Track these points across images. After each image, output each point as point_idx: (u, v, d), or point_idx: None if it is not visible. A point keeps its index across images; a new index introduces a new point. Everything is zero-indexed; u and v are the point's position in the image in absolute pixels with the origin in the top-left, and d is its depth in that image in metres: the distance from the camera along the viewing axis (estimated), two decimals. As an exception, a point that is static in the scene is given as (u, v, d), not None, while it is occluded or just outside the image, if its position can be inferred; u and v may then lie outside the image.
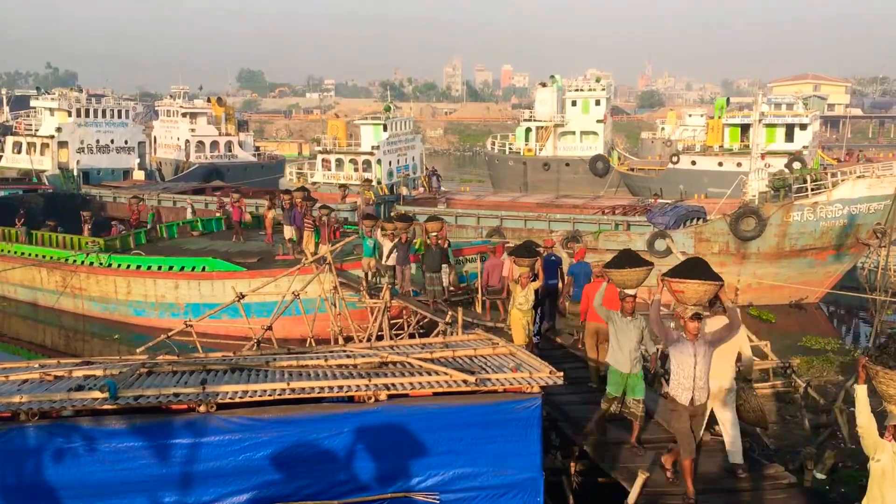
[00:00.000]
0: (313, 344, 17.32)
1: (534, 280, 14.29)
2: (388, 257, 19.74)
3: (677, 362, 8.96)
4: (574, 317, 15.53)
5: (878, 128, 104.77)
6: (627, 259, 10.70)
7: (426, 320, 18.94)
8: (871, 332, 24.35)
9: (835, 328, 27.17)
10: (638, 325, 10.29)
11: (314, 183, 42.70)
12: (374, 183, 40.72)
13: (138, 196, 33.44)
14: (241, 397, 8.49)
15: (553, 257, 16.46)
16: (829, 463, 10.95)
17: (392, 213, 33.10)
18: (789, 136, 48.83)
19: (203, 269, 24.46)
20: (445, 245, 19.11)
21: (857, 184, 27.02)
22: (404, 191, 42.37)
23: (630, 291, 10.42)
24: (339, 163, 44.72)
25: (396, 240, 19.35)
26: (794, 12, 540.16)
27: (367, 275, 20.38)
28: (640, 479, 9.03)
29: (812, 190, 27.22)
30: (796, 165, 41.93)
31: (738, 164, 44.19)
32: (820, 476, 10.69)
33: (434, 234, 18.82)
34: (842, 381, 16.02)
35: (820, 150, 56.88)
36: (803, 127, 48.90)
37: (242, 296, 17.65)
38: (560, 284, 16.08)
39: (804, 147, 47.97)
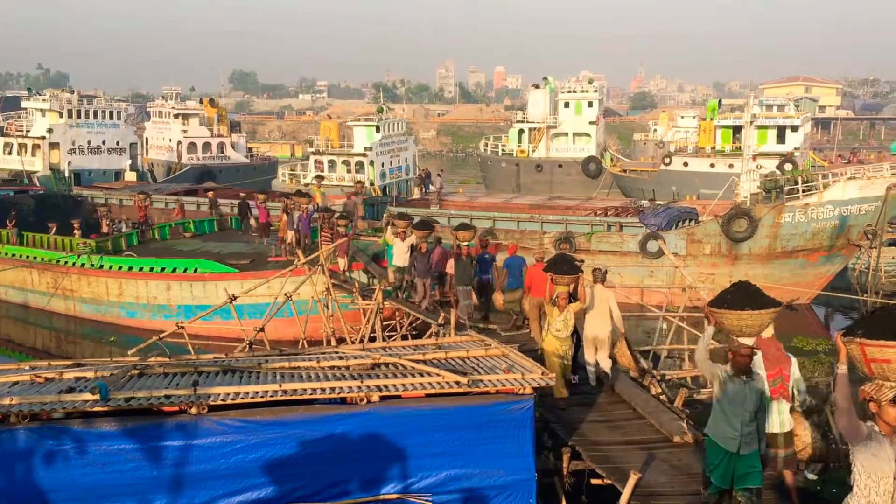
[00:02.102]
0: (305, 345, 17.27)
1: (572, 300, 12.28)
2: (407, 262, 18.59)
3: (868, 471, 6.06)
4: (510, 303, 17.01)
5: (869, 129, 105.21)
6: (747, 297, 8.14)
7: (419, 322, 18.92)
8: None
9: (826, 329, 27.25)
10: (756, 386, 7.72)
11: (307, 184, 42.65)
12: (364, 182, 40.59)
13: (145, 192, 33.34)
14: (232, 399, 8.48)
15: (487, 255, 17.63)
16: (820, 463, 10.98)
17: (386, 214, 33.06)
18: (781, 138, 49.05)
19: (195, 270, 24.40)
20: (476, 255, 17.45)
21: (847, 185, 27.15)
22: (416, 192, 42.32)
23: (747, 341, 7.86)
24: (332, 164, 44.71)
25: (416, 249, 17.93)
26: (785, 15, 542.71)
27: (392, 285, 19.43)
28: (632, 479, 9.04)
29: (803, 191, 27.33)
30: (788, 167, 42.11)
31: (730, 166, 44.34)
32: (811, 476, 10.73)
33: (466, 243, 17.07)
34: (832, 382, 16.06)
35: (811, 151, 57.13)
36: (794, 129, 49.14)
37: (234, 297, 17.60)
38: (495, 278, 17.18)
39: (795, 149, 48.19)
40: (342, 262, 20.98)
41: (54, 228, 28.74)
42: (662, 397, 12.80)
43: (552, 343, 12.03)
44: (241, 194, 33.62)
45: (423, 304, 17.98)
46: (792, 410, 9.11)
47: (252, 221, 30.64)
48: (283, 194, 32.05)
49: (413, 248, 18.47)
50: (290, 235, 23.76)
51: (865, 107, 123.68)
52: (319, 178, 31.88)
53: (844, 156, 58.70)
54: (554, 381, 9.20)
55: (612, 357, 13.97)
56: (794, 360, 9.20)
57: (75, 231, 28.40)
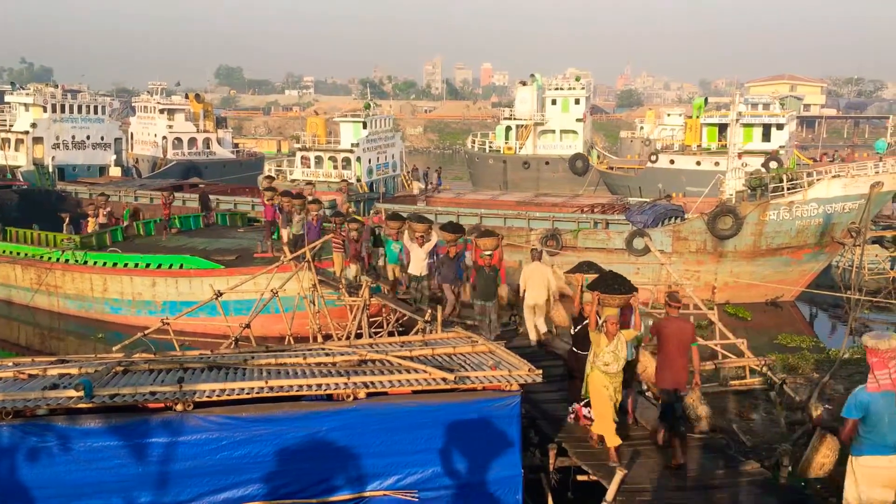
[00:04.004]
0: (292, 342, 17.23)
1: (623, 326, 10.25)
2: (425, 270, 16.96)
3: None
4: None
5: (853, 128, 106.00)
6: None
7: (405, 318, 18.89)
8: (845, 330, 24.65)
9: (810, 326, 27.45)
10: None
11: (293, 180, 42.52)
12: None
13: (168, 189, 33.18)
14: (218, 396, 8.44)
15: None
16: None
17: (373, 210, 32.99)
18: (766, 136, 49.33)
19: (180, 266, 24.28)
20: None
21: (832, 183, 27.31)
22: (415, 188, 42.25)
23: None
24: (319, 160, 44.53)
25: (444, 255, 16.16)
26: (771, 13, 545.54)
27: (394, 283, 18.46)
28: (618, 475, 9.09)
29: (788, 189, 27.49)
30: (773, 165, 42.35)
31: (716, 164, 44.54)
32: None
33: (488, 252, 15.08)
34: (817, 379, 16.20)
35: (796, 149, 57.49)
36: (780, 127, 49.41)
37: (220, 293, 17.53)
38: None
39: (781, 147, 48.47)
40: (353, 269, 19.63)
41: (67, 219, 28.58)
42: (648, 394, 12.88)
43: (599, 379, 10.01)
44: (201, 186, 33.53)
45: (452, 314, 15.94)
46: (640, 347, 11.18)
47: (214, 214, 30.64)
48: (285, 193, 31.81)
49: (433, 254, 16.94)
50: (286, 234, 22.59)
51: (850, 105, 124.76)
52: (270, 178, 30.29)
53: (830, 154, 59.09)
54: (540, 377, 9.10)
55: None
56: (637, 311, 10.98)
57: (90, 218, 28.26)
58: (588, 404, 10.59)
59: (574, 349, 11.23)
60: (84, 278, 25.87)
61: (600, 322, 10.07)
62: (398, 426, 8.60)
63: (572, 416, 11.20)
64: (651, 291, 20.94)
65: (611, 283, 10.37)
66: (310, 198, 22.83)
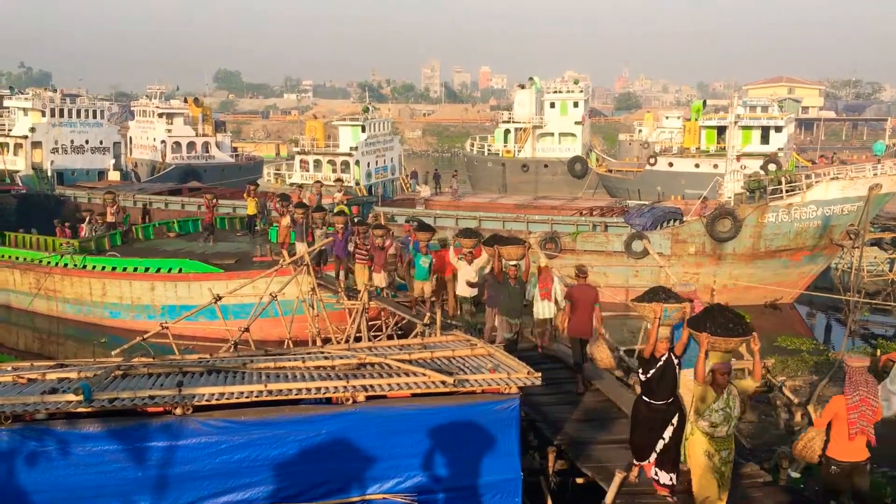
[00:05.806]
0: (291, 346, 17.21)
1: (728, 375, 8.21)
2: (474, 292, 15.57)
3: None
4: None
5: (851, 130, 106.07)
6: None
7: (404, 321, 18.88)
8: (844, 332, 24.66)
9: (809, 328, 27.47)
10: None
11: (292, 184, 42.53)
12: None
13: (213, 193, 33.11)
14: (217, 399, 8.43)
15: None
16: (803, 462, 11.06)
17: (372, 214, 32.98)
18: (765, 139, 49.40)
19: (179, 270, 24.27)
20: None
21: (830, 185, 27.34)
22: (422, 190, 42.25)
23: None
24: (318, 164, 44.56)
25: (488, 273, 14.47)
26: (768, 15, 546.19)
27: (418, 301, 17.48)
28: (618, 478, 9.09)
29: (787, 191, 27.51)
30: (771, 167, 42.39)
31: (715, 166, 44.60)
32: (795, 475, 10.82)
33: (514, 263, 13.56)
34: (816, 381, 16.21)
35: (795, 152, 57.54)
36: (778, 129, 49.48)
37: (219, 297, 17.50)
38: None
39: (779, 149, 48.52)
40: (378, 278, 18.72)
41: (88, 217, 28.57)
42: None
43: (702, 445, 8.07)
44: (146, 198, 33.77)
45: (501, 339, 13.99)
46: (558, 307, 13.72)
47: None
48: (299, 206, 31.50)
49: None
50: (300, 248, 20.62)
51: (848, 107, 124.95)
52: (255, 184, 29.30)
53: (828, 156, 59.15)
54: (539, 380, 9.05)
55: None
56: (556, 279, 14.10)
57: (107, 211, 28.30)
58: (663, 464, 8.87)
59: (645, 398, 9.08)
60: (83, 282, 25.85)
61: (707, 372, 7.96)
62: (397, 429, 8.60)
63: (635, 471, 9.47)
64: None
65: (724, 322, 8.07)
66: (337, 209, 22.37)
